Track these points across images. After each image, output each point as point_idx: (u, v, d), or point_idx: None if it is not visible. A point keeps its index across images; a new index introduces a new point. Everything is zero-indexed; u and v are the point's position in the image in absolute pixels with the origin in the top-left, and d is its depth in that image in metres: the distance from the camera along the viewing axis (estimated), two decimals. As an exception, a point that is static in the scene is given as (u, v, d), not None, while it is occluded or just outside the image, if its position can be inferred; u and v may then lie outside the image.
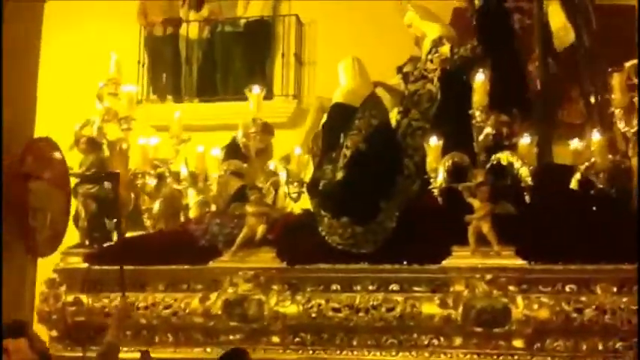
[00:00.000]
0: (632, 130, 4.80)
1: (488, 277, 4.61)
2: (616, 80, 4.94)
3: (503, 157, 4.82)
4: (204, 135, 6.84)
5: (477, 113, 4.94)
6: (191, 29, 8.85)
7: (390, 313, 4.71)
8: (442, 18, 6.27)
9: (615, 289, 4.55)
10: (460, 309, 4.56)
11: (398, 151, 5.39)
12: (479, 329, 4.55)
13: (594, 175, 4.88)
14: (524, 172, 4.68)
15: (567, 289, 4.61)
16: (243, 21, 8.62)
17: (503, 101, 5.15)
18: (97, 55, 8.12)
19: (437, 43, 5.67)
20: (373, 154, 5.18)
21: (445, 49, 5.55)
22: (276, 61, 8.54)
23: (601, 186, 4.83)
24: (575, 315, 4.46)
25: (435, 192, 4.87)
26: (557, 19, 6.17)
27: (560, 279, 4.62)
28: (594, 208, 4.84)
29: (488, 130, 4.90)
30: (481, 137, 4.89)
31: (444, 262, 4.75)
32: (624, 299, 4.48)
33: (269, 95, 7.94)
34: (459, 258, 4.73)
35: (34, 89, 4.42)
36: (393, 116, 5.82)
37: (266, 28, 8.63)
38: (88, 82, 7.69)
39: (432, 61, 5.79)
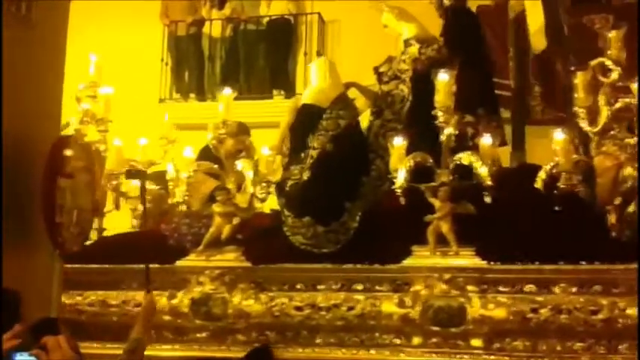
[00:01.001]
0: (594, 130, 4.78)
1: (447, 276, 4.64)
2: (579, 79, 4.93)
3: (465, 157, 4.84)
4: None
5: (440, 114, 4.97)
6: (214, 28, 8.95)
7: (351, 312, 4.76)
8: (425, 17, 6.32)
9: (575, 289, 4.56)
10: (418, 308, 4.60)
11: (366, 151, 5.43)
12: (436, 328, 4.58)
13: (558, 174, 4.87)
14: (484, 172, 4.69)
15: (527, 289, 4.63)
16: (265, 19, 8.65)
17: (470, 101, 5.18)
18: (121, 54, 8.32)
19: (407, 43, 5.70)
20: (340, 155, 5.22)
21: (413, 49, 5.58)
22: (299, 59, 8.55)
23: (563, 186, 4.81)
24: (531, 315, 4.47)
25: (398, 192, 4.92)
26: (535, 19, 6.17)
27: (520, 279, 4.62)
28: (557, 209, 4.84)
29: (450, 130, 4.93)
30: (443, 137, 4.92)
31: (404, 262, 4.78)
32: (581, 299, 4.48)
33: (291, 93, 8.00)
34: (419, 258, 4.77)
35: (60, 88, 4.57)
36: (367, 117, 5.88)
37: (288, 26, 8.67)
38: (112, 81, 7.91)
39: (404, 61, 5.84)
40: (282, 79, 8.66)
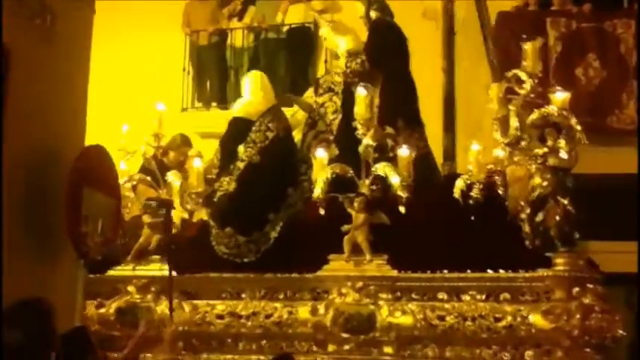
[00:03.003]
0: (506, 141, 4.89)
1: (359, 285, 4.77)
2: (493, 91, 5.04)
3: (381, 168, 4.96)
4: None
5: (359, 126, 5.11)
6: (236, 37, 9.06)
7: (269, 320, 4.90)
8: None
9: (483, 297, 4.67)
10: (329, 316, 4.73)
11: (295, 163, 5.57)
12: (346, 335, 4.70)
13: (472, 184, 4.99)
14: (396, 183, 4.81)
15: (439, 297, 4.75)
16: (285, 28, 8.74)
17: (390, 113, 5.31)
18: (143, 64, 8.49)
19: (334, 56, 5.85)
20: (266, 167, 5.37)
21: (341, 62, 5.72)
22: (319, 67, 8.59)
23: (476, 195, 4.93)
24: (437, 322, 4.59)
25: (318, 202, 5.05)
26: None
27: (430, 287, 4.75)
28: (472, 218, 4.95)
29: (368, 141, 5.05)
30: (361, 149, 5.05)
31: (320, 271, 4.92)
32: (487, 307, 4.59)
33: None
34: (335, 266, 4.90)
35: (84, 100, 4.57)
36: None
37: (308, 34, 8.71)
38: (135, 90, 8.06)
39: (338, 74, 5.98)
40: (302, 87, 8.68)
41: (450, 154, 5.96)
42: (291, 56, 8.54)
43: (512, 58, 7.12)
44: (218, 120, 6.35)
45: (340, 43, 6.15)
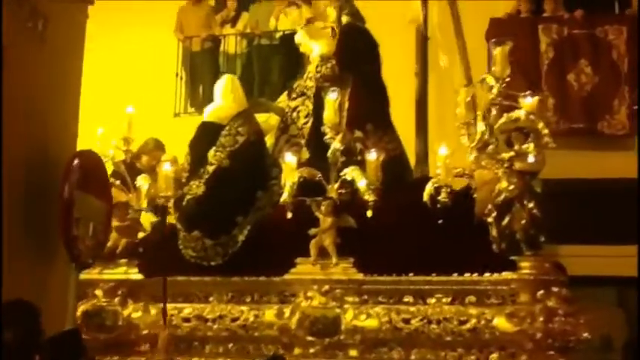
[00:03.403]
0: (472, 145, 4.90)
1: (325, 288, 4.76)
2: (461, 96, 5.05)
3: (349, 172, 4.97)
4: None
5: (327, 130, 5.11)
6: (229, 43, 9.06)
7: (235, 323, 4.88)
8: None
9: (448, 300, 4.67)
10: (295, 319, 4.72)
11: (265, 166, 5.56)
12: (312, 338, 4.69)
13: (439, 188, 4.98)
14: (362, 186, 4.81)
15: (405, 300, 4.74)
16: (278, 34, 8.73)
17: (359, 118, 5.32)
18: (137, 69, 8.47)
19: (310, 60, 5.86)
20: (236, 171, 5.35)
21: (311, 67, 5.73)
22: None
23: (444, 199, 4.92)
24: (402, 325, 4.58)
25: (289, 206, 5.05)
26: None
27: (396, 290, 4.74)
28: (440, 222, 4.95)
29: (336, 145, 5.06)
30: (329, 153, 5.05)
31: (287, 274, 4.91)
32: (453, 310, 4.58)
33: None
34: (301, 270, 4.90)
35: (76, 104, 4.61)
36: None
37: None
38: (128, 95, 8.00)
39: (310, 78, 5.99)
40: None
41: (421, 158, 5.96)
42: (284, 62, 8.54)
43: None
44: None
45: (314, 47, 6.16)
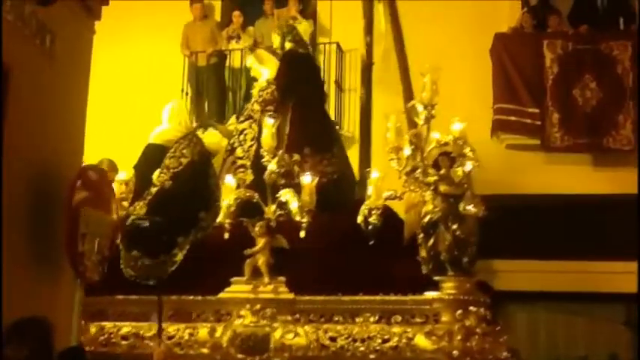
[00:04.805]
0: (400, 169, 5.07)
1: (257, 307, 4.92)
2: (391, 121, 5.22)
3: (284, 194, 5.14)
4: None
5: (264, 153, 5.30)
6: (235, 59, 9.14)
7: (171, 341, 5.02)
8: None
9: (375, 319, 4.83)
10: (226, 337, 4.87)
11: (210, 187, 5.72)
12: (242, 356, 4.84)
13: (371, 210, 5.15)
14: (294, 208, 4.99)
15: (335, 319, 4.90)
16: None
17: (298, 141, 5.50)
18: (143, 84, 8.57)
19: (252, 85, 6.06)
20: (178, 192, 5.50)
21: (255, 91, 5.92)
22: None
23: (374, 221, 5.09)
24: (328, 343, 4.74)
25: (227, 226, 5.22)
26: None
27: (328, 310, 4.90)
28: (371, 243, 5.11)
29: (272, 168, 5.23)
30: (265, 175, 5.23)
31: (222, 293, 5.07)
32: (378, 328, 4.74)
33: None
34: (236, 289, 5.06)
35: (82, 119, 4.63)
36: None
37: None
38: (134, 111, 8.09)
39: (257, 102, 6.19)
40: None
41: (364, 180, 6.13)
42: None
43: (510, 79, 7.49)
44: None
45: (263, 72, 6.37)
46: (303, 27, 8.51)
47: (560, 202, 7.24)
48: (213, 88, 8.93)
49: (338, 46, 8.26)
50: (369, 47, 6.35)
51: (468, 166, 4.93)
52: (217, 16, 9.20)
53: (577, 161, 7.44)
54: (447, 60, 7.50)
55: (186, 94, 8.80)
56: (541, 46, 7.64)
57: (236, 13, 8.72)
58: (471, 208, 4.94)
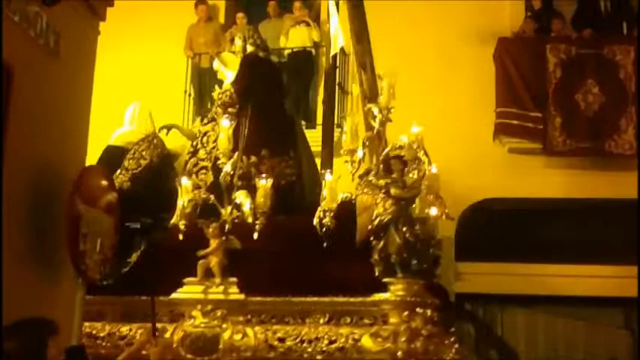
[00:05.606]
0: (353, 172, 5.11)
1: (208, 307, 4.95)
2: (348, 123, 5.26)
3: (239, 195, 5.18)
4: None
5: (220, 155, 5.33)
6: None
7: (123, 341, 5.05)
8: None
9: (325, 320, 4.86)
10: (177, 337, 4.90)
11: (169, 189, 5.76)
12: (191, 356, 4.86)
13: (325, 212, 5.18)
14: (247, 211, 5.02)
15: (286, 320, 4.93)
16: (287, 51, 8.87)
17: (255, 144, 5.54)
18: (146, 85, 8.58)
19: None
20: (137, 193, 5.57)
21: (215, 94, 5.96)
22: (320, 90, 8.54)
23: (328, 223, 5.12)
24: (277, 344, 4.77)
25: (181, 227, 5.25)
26: None
27: (278, 311, 4.94)
28: (324, 245, 5.14)
29: (227, 169, 5.27)
30: (220, 177, 5.26)
31: (175, 294, 5.10)
32: (325, 329, 4.77)
33: (312, 124, 8.11)
34: (188, 289, 5.09)
35: (86, 119, 4.63)
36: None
37: (309, 58, 8.78)
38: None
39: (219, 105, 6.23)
40: (303, 110, 8.79)
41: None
42: (293, 79, 8.59)
43: (513, 83, 7.51)
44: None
45: (228, 75, 6.41)
46: (315, 33, 8.63)
47: (561, 206, 7.32)
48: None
49: (342, 48, 8.29)
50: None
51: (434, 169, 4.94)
52: (221, 18, 9.20)
53: (579, 165, 7.48)
54: (451, 64, 7.73)
55: (189, 95, 8.84)
56: (544, 50, 7.68)
57: (240, 15, 8.72)
58: (431, 211, 4.99)
